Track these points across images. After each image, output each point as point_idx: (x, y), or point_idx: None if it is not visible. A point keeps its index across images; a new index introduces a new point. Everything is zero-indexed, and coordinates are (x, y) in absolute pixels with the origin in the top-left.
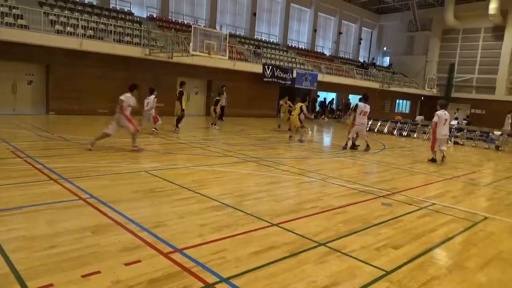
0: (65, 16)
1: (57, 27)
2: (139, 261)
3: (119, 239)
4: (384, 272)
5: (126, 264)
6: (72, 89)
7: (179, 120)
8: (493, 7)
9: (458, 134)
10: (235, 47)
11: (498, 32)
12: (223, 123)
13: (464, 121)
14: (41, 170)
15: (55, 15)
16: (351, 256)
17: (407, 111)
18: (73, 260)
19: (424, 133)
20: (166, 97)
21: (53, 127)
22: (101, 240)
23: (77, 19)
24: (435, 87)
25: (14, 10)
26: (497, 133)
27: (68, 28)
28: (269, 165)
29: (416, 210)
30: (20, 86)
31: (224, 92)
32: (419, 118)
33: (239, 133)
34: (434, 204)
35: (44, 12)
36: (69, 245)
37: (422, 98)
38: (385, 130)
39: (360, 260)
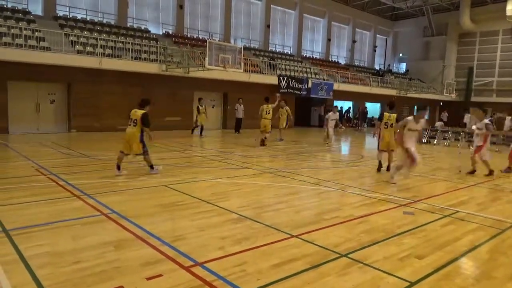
0: (84, 37)
1: (77, 47)
2: (161, 275)
3: (140, 253)
4: (408, 283)
5: (148, 279)
6: (93, 107)
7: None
8: (510, 8)
9: None
10: (250, 59)
11: None
12: (240, 135)
13: None
14: (64, 186)
15: (75, 36)
16: (374, 267)
17: (426, 117)
18: (96, 275)
19: (445, 139)
20: (183, 110)
21: (75, 144)
22: (123, 255)
23: (96, 38)
24: (454, 92)
25: (36, 33)
26: None
27: (88, 48)
28: (286, 175)
29: (440, 219)
30: (43, 105)
31: (242, 104)
32: (438, 124)
33: (255, 143)
34: (458, 211)
35: (65, 34)
36: (92, 260)
37: (441, 103)
38: None
39: (383, 271)
